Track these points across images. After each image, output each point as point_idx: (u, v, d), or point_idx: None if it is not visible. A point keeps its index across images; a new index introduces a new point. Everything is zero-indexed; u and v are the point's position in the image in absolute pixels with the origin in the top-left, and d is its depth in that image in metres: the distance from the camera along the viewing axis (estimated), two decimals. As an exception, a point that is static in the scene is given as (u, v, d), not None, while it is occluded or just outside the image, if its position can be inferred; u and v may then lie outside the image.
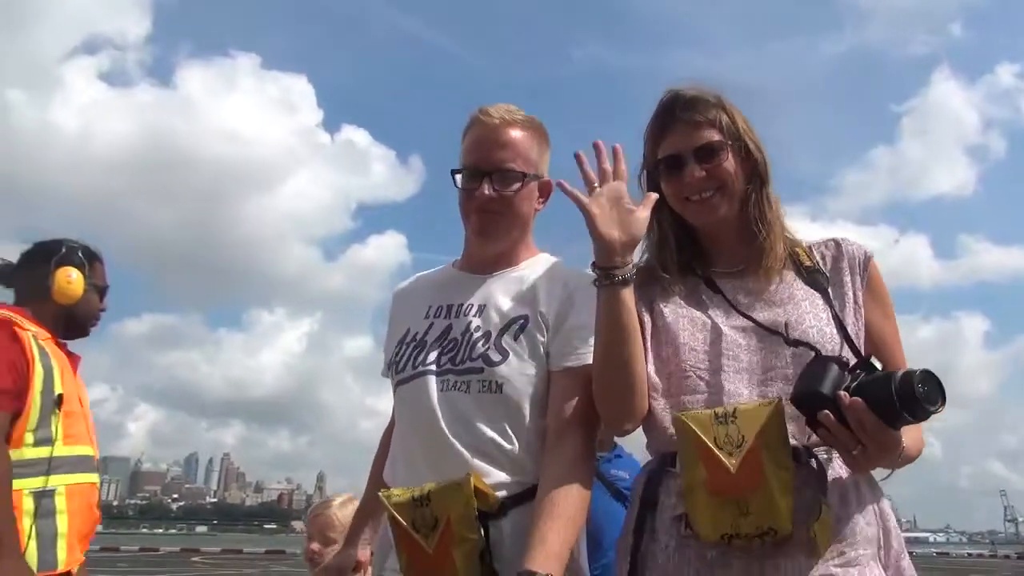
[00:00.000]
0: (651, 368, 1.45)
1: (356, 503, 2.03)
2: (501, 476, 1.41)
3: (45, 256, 2.38)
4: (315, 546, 2.39)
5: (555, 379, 1.48)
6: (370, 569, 1.98)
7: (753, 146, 1.50)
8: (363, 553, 1.77)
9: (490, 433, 1.43)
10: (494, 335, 1.48)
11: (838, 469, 1.36)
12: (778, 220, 1.50)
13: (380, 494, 1.43)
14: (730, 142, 1.48)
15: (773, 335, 1.40)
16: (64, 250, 2.40)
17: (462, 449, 1.42)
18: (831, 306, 1.43)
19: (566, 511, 1.35)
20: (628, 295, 1.35)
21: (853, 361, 1.32)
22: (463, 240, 1.66)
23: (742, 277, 1.49)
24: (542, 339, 1.49)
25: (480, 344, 1.48)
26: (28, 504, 2.07)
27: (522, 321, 1.50)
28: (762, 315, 1.43)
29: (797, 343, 1.37)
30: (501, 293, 1.54)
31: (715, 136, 1.47)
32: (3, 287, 2.42)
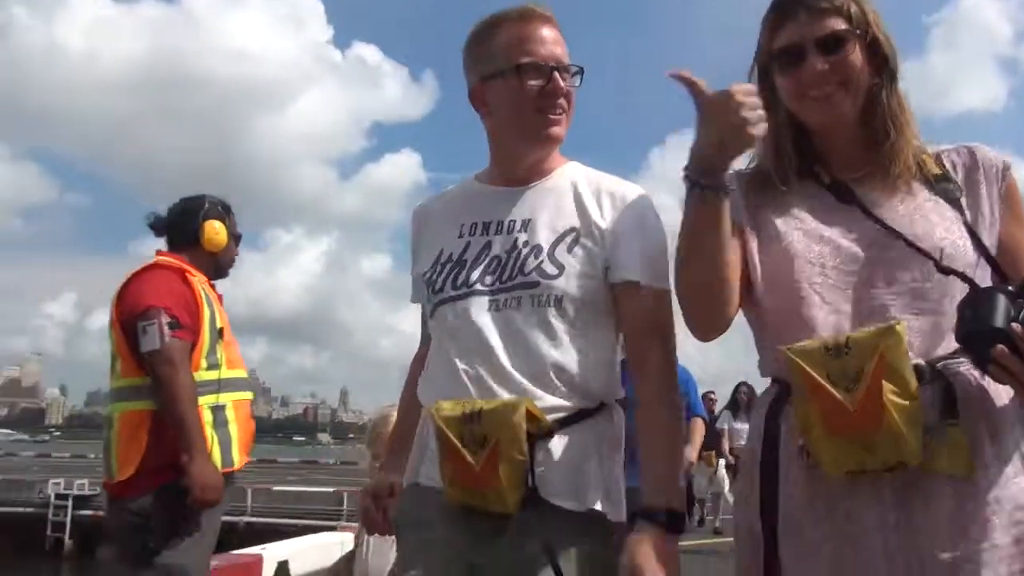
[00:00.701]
0: (759, 285, 1.35)
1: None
2: (553, 398, 1.37)
3: (193, 210, 2.80)
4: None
5: (622, 294, 1.43)
6: None
7: (883, 38, 1.35)
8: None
9: (545, 352, 1.38)
10: (546, 248, 1.41)
11: (983, 388, 1.25)
12: (908, 122, 1.37)
13: (430, 407, 1.40)
14: (857, 31, 1.33)
15: (900, 248, 1.28)
16: (207, 205, 2.81)
17: (513, 370, 1.38)
18: (964, 218, 1.32)
19: (668, 434, 1.39)
20: (720, 203, 1.26)
21: (1014, 287, 1.19)
22: (490, 152, 1.56)
23: (862, 184, 1.36)
24: (598, 251, 1.42)
25: (531, 259, 1.41)
26: (207, 416, 2.55)
27: (574, 233, 1.42)
28: (887, 226, 1.31)
29: (945, 269, 1.25)
30: (544, 205, 1.46)
31: (841, 25, 1.33)
32: (155, 236, 2.86)
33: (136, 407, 2.54)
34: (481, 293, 1.42)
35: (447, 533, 1.38)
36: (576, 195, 1.46)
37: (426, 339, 1.62)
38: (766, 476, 1.31)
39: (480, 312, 1.41)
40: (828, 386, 1.18)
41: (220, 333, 2.68)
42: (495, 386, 1.37)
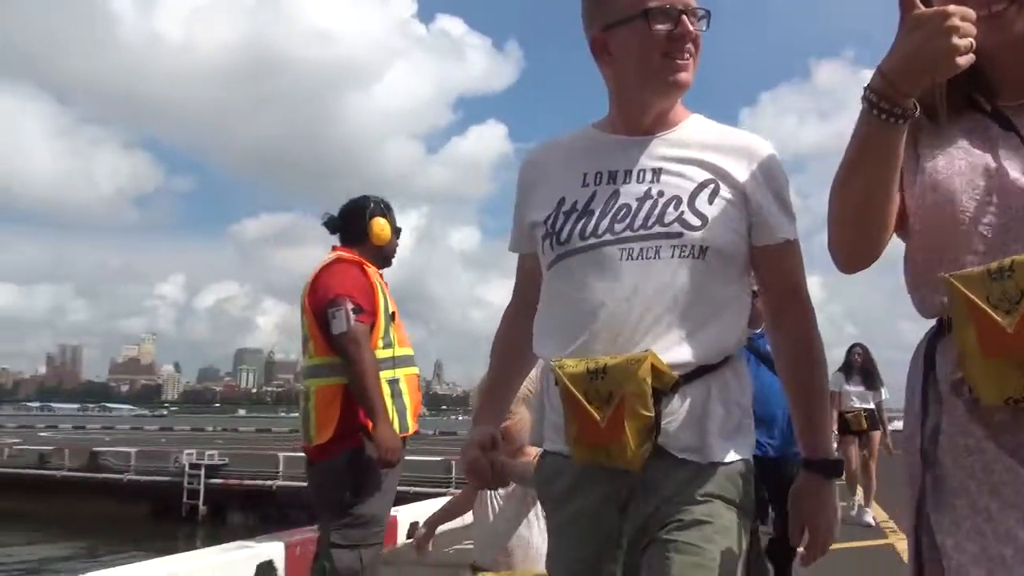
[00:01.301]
0: (914, 219, 1.27)
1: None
2: (682, 352, 1.32)
3: (360, 210, 3.20)
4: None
5: (766, 252, 1.41)
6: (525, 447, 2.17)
7: None
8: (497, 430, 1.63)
9: (680, 304, 1.33)
10: (685, 199, 1.36)
11: None
12: None
13: (552, 363, 1.37)
14: None
15: None
16: (372, 204, 3.21)
17: (643, 323, 1.33)
18: None
19: (819, 388, 1.43)
20: (900, 130, 1.17)
21: None
22: (612, 102, 1.49)
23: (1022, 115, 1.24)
24: (740, 206, 1.38)
25: (671, 208, 1.35)
26: (386, 389, 2.96)
27: (712, 185, 1.37)
28: None
29: None
30: (676, 156, 1.41)
31: None
32: (329, 233, 3.27)
33: (330, 382, 2.97)
34: (612, 243, 1.36)
35: (583, 503, 1.38)
36: (708, 147, 1.41)
37: (521, 290, 1.60)
38: (926, 410, 1.24)
39: (612, 263, 1.35)
40: (987, 308, 1.11)
41: (392, 316, 3.08)
42: (623, 340, 1.33)
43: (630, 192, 1.39)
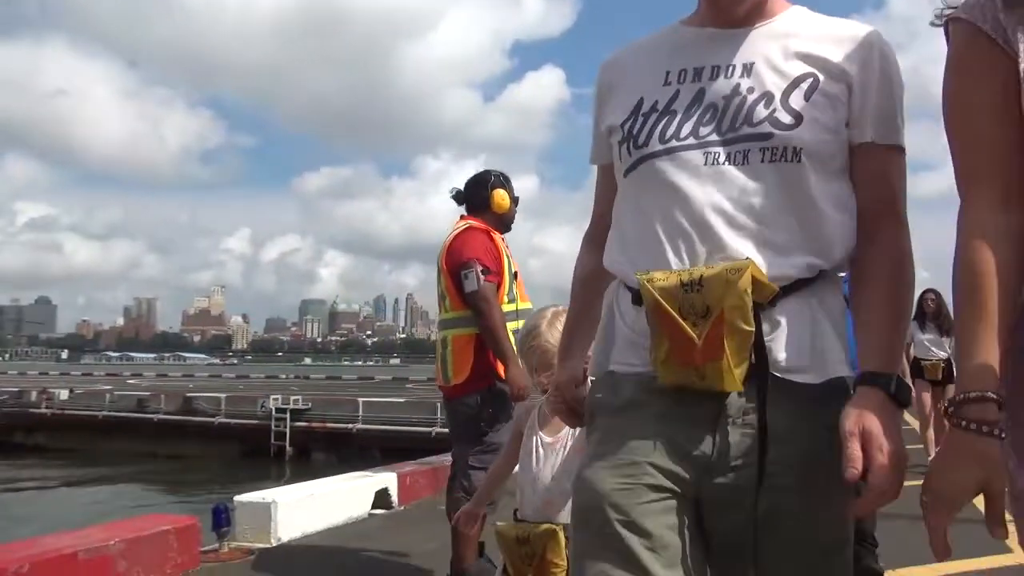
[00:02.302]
0: None
1: (562, 318, 1.81)
2: (782, 264, 1.18)
3: (483, 182, 3.70)
4: (543, 378, 2.13)
5: (866, 154, 1.23)
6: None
7: None
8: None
9: (773, 212, 1.19)
10: (778, 96, 1.21)
11: None
12: None
13: (638, 276, 1.19)
14: None
15: None
16: (492, 177, 3.71)
17: (736, 233, 1.19)
18: None
19: (900, 311, 1.21)
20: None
21: None
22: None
23: None
24: (842, 101, 1.22)
25: (760, 107, 1.20)
26: (512, 337, 3.48)
27: (811, 79, 1.22)
28: None
29: None
30: (772, 48, 1.26)
31: None
32: (456, 204, 3.78)
33: (464, 332, 3.52)
34: (696, 147, 1.22)
35: (657, 417, 1.20)
36: (811, 38, 1.26)
37: (600, 208, 1.46)
38: None
39: (697, 168, 1.21)
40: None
41: (515, 275, 3.60)
42: (714, 252, 1.18)
43: (717, 90, 1.25)
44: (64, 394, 22.88)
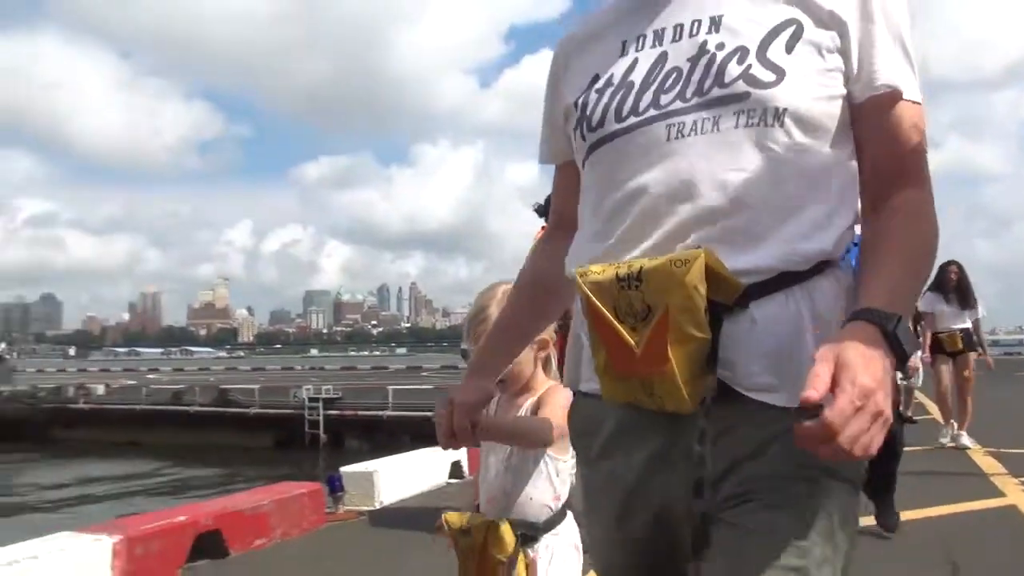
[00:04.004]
0: None
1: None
2: (754, 255, 0.94)
3: None
4: None
5: (872, 111, 1.01)
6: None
7: None
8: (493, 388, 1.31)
9: (749, 188, 0.95)
10: (753, 49, 0.97)
11: None
12: None
13: (574, 271, 1.00)
14: None
15: None
16: None
17: (699, 217, 0.95)
18: None
19: (916, 261, 0.95)
20: None
21: None
22: None
23: None
24: (831, 52, 0.98)
25: (733, 64, 0.97)
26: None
27: (793, 27, 0.98)
28: None
29: None
30: None
31: None
32: (538, 216, 4.55)
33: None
34: (657, 119, 1.01)
35: (619, 460, 1.04)
36: None
37: (556, 207, 1.27)
38: None
39: (656, 145, 0.99)
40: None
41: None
42: (670, 242, 0.96)
43: (681, 51, 1.03)
44: (101, 389, 23.81)
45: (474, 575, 1.75)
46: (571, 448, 1.62)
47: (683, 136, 0.98)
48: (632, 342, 0.93)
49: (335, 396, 19.48)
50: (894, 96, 1.00)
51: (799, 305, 0.95)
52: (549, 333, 1.47)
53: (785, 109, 0.96)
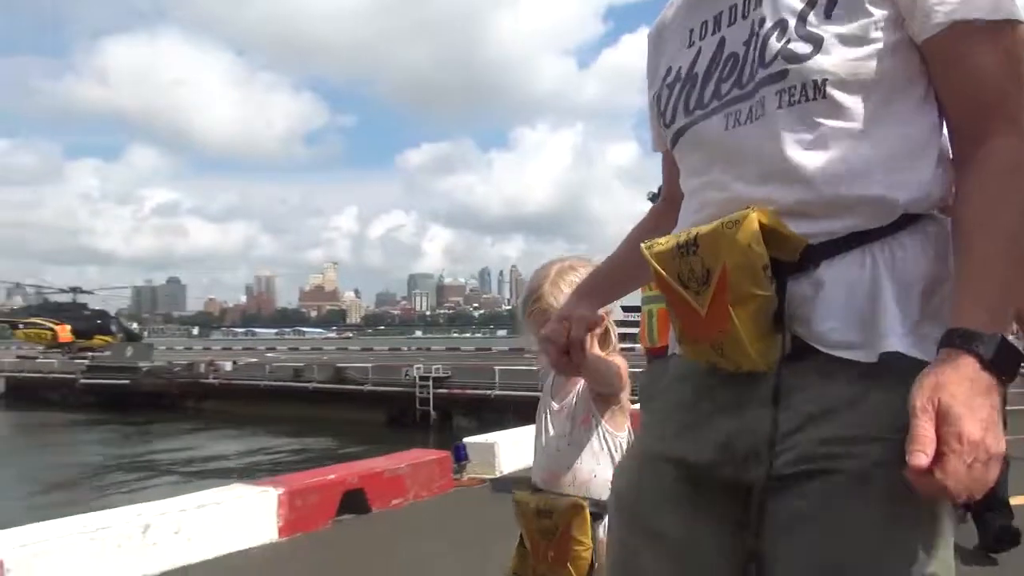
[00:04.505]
0: None
1: (574, 273, 1.75)
2: (820, 219, 0.89)
3: None
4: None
5: (946, 48, 0.88)
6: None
7: None
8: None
9: (802, 164, 0.90)
10: (793, 21, 0.92)
11: None
12: None
13: (642, 244, 1.00)
14: None
15: None
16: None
17: (764, 199, 0.91)
18: None
19: (1016, 233, 0.84)
20: None
21: None
22: None
23: None
24: (877, 2, 0.90)
25: (772, 40, 0.93)
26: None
27: None
28: None
29: None
30: None
31: None
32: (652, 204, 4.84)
33: (663, 306, 4.59)
34: (717, 110, 0.98)
35: (677, 404, 1.02)
36: None
37: (666, 188, 1.28)
38: None
39: (715, 138, 0.98)
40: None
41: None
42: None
43: (736, 36, 1.00)
44: (228, 365, 25.51)
45: (548, 557, 1.75)
46: (627, 425, 1.75)
47: (739, 124, 0.96)
48: (697, 306, 0.92)
49: (444, 375, 20.21)
50: (961, 29, 0.87)
51: (876, 260, 0.89)
52: (606, 308, 1.43)
53: (825, 80, 0.90)
